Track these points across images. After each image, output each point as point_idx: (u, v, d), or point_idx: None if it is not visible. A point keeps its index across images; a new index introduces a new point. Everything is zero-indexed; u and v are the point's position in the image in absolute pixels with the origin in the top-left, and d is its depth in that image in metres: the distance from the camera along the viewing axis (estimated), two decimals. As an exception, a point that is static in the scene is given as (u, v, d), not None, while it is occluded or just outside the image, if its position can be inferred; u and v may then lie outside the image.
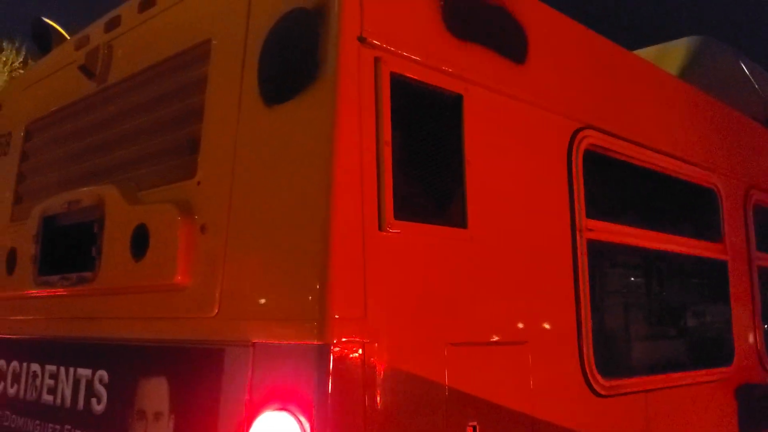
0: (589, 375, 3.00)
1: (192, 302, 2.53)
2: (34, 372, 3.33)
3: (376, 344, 2.19)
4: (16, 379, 3.45)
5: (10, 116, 4.20)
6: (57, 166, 3.62)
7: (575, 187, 3.11)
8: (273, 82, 2.44)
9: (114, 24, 3.40)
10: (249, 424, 2.19)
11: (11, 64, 24.58)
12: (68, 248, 3.26)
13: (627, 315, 3.65)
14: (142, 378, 2.67)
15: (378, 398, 2.18)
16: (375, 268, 2.24)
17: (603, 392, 3.05)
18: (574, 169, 3.11)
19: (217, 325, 2.41)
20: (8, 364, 3.55)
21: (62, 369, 3.13)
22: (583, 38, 3.40)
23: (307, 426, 2.05)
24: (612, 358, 3.31)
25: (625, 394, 3.19)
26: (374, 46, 2.35)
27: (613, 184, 3.55)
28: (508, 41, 2.91)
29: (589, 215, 3.15)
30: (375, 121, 2.32)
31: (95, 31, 3.55)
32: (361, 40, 2.32)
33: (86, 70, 3.32)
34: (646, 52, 5.66)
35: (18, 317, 3.58)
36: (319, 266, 2.13)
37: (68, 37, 4.44)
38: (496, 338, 2.63)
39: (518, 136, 2.90)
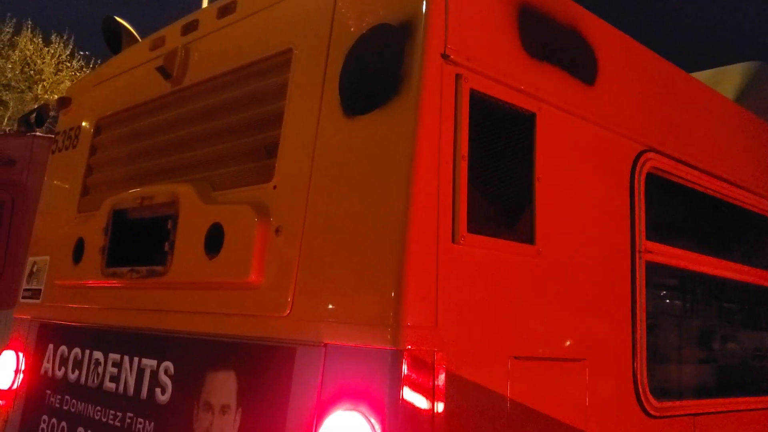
0: (641, 395, 3.03)
1: (264, 301, 2.62)
2: (97, 360, 3.45)
3: (445, 353, 2.26)
4: (78, 365, 3.58)
5: (79, 111, 4.35)
6: (127, 161, 3.75)
7: (636, 208, 3.15)
8: (355, 94, 2.52)
9: (191, 28, 3.52)
10: (319, 422, 2.27)
11: (59, 57, 25.09)
12: (138, 242, 3.38)
13: (680, 338, 3.68)
14: (209, 371, 2.76)
15: (445, 406, 2.24)
16: (446, 278, 2.31)
17: (654, 413, 3.09)
18: (636, 191, 3.16)
19: (288, 325, 2.50)
20: (70, 351, 3.67)
21: (126, 358, 3.24)
22: (648, 61, 3.45)
23: (378, 427, 2.12)
24: (664, 379, 3.34)
25: (675, 416, 3.22)
26: (456, 63, 2.43)
27: (672, 208, 3.58)
28: (580, 62, 2.97)
29: (648, 237, 3.20)
30: (453, 136, 2.39)
31: (172, 34, 3.67)
32: (445, 57, 2.40)
33: (164, 71, 3.44)
34: (700, 76, 5.67)
35: (82, 306, 3.70)
36: (395, 274, 2.20)
37: (138, 37, 4.59)
38: (556, 353, 2.69)
39: (585, 156, 2.96)
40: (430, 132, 2.32)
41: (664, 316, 3.53)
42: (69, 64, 25.14)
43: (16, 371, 4.15)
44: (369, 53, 2.51)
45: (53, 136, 4.57)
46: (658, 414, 3.10)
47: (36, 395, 3.88)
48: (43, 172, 6.86)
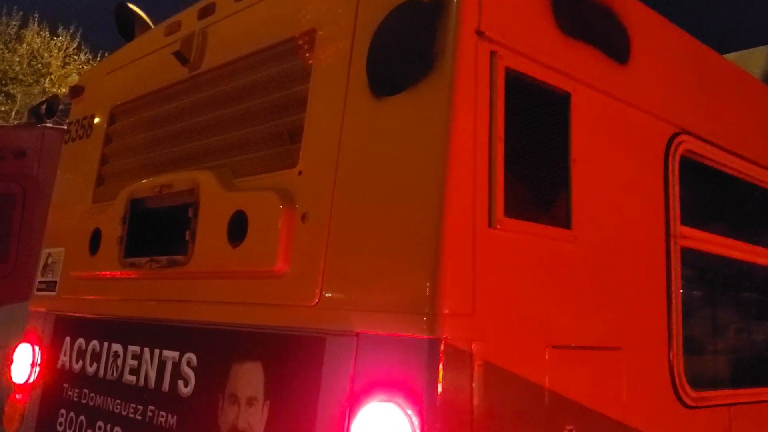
0: (678, 385, 2.94)
1: (291, 290, 2.54)
2: (116, 352, 3.37)
3: (483, 342, 2.17)
4: (96, 358, 3.50)
5: (93, 100, 4.26)
6: (143, 149, 3.66)
7: (671, 192, 3.05)
8: (384, 74, 2.42)
9: (208, 11, 3.42)
10: (352, 414, 2.18)
11: (66, 50, 25.02)
12: (157, 231, 3.30)
13: (715, 326, 3.58)
14: (234, 362, 2.68)
15: (483, 397, 2.15)
16: (483, 264, 2.21)
17: (690, 403, 2.99)
18: (670, 175, 3.06)
19: (317, 314, 2.41)
20: (87, 344, 3.60)
21: (146, 350, 3.16)
22: (680, 41, 3.34)
23: (415, 419, 2.03)
24: (699, 368, 3.24)
25: (711, 406, 3.12)
26: (491, 40, 2.33)
27: (705, 193, 3.47)
28: (613, 41, 2.87)
29: (682, 223, 3.09)
30: (489, 116, 2.29)
31: (187, 18, 3.58)
32: (479, 33, 2.30)
33: (181, 56, 3.34)
34: (727, 58, 5.53)
35: (100, 297, 3.63)
36: (431, 260, 2.11)
37: (151, 24, 4.49)
38: (593, 342, 2.60)
39: (619, 138, 2.86)
40: (466, 112, 2.23)
41: (699, 304, 3.42)
42: (76, 57, 25.08)
43: (33, 365, 4.08)
44: (398, 31, 2.42)
45: (66, 125, 4.48)
46: (694, 404, 3.01)
47: (53, 389, 3.81)
48: (54, 164, 6.77)
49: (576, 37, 2.68)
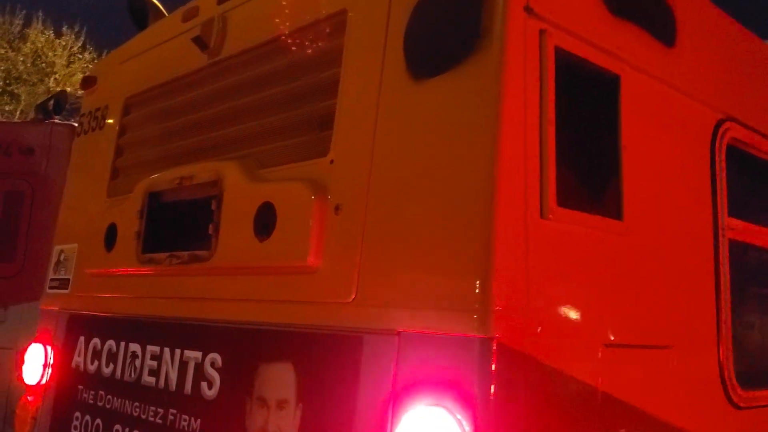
0: (728, 385, 2.78)
1: (324, 286, 2.39)
2: (133, 352, 3.23)
3: (536, 341, 2.02)
4: (112, 358, 3.36)
5: (106, 90, 4.12)
6: (161, 140, 3.52)
7: (718, 182, 2.89)
8: (424, 55, 2.27)
9: None
10: (396, 418, 2.03)
11: (70, 49, 24.88)
12: (177, 225, 3.15)
13: (764, 322, 3.42)
14: (263, 363, 2.53)
15: (537, 398, 2.00)
16: (535, 258, 2.06)
17: (741, 404, 2.84)
18: (717, 163, 2.90)
19: (354, 311, 2.26)
20: (103, 344, 3.45)
21: (166, 350, 3.02)
22: (725, 25, 3.18)
23: (466, 423, 1.88)
24: (749, 367, 3.08)
25: (762, 406, 2.97)
26: (540, 18, 2.18)
27: (751, 183, 3.32)
28: (660, 23, 2.71)
29: (729, 214, 2.94)
30: (539, 98, 2.14)
31: (206, 3, 3.43)
32: (528, 10, 2.14)
33: (200, 42, 3.19)
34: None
35: (116, 295, 3.48)
36: (482, 254, 1.95)
37: (165, 12, 4.35)
38: (644, 340, 2.44)
39: (666, 124, 2.70)
40: (515, 93, 2.07)
41: (747, 299, 3.26)
42: (81, 56, 24.91)
43: (45, 365, 3.94)
44: (439, 9, 2.26)
45: (78, 117, 4.33)
46: (744, 404, 2.85)
47: (67, 390, 3.67)
48: (63, 161, 6.65)
49: (624, 17, 2.52)
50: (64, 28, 24.80)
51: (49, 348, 3.94)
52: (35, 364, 3.97)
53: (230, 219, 2.78)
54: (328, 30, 2.67)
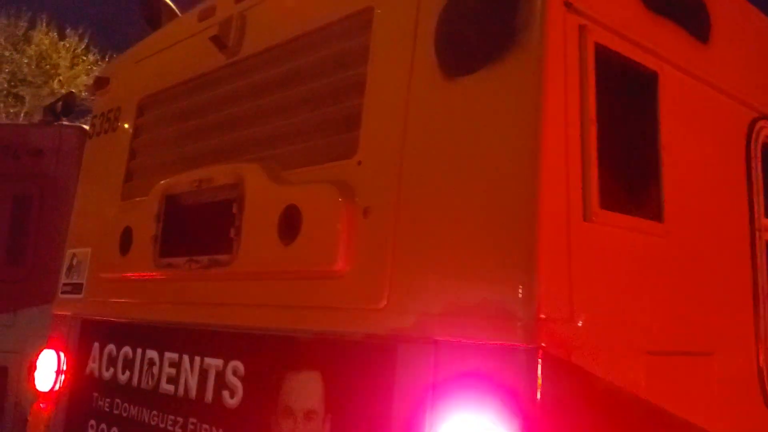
0: (767, 389, 2.69)
1: (353, 291, 2.30)
2: (151, 359, 3.15)
3: (582, 350, 1.93)
4: (128, 366, 3.28)
5: (118, 91, 4.04)
6: (177, 142, 3.44)
7: (754, 182, 2.80)
8: (457, 52, 2.18)
9: None
10: (434, 430, 1.94)
11: (74, 51, 24.83)
12: (195, 229, 3.07)
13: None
14: (289, 371, 2.44)
15: (583, 409, 1.92)
16: (578, 262, 1.97)
17: (779, 410, 2.74)
18: (752, 162, 2.81)
19: (386, 318, 2.17)
20: (119, 350, 3.37)
21: (185, 357, 2.93)
22: (757, 21, 3.09)
23: (511, 438, 1.80)
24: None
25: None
26: (579, 13, 2.09)
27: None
28: (695, 19, 2.63)
29: (766, 215, 2.85)
30: (579, 96, 2.06)
31: (223, 2, 3.34)
32: (567, 5, 2.06)
33: (218, 41, 3.11)
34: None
35: (132, 300, 3.40)
36: (525, 259, 1.87)
37: (178, 12, 4.27)
38: (687, 347, 2.35)
39: (702, 122, 2.62)
40: (556, 91, 1.99)
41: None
42: (85, 58, 24.84)
43: (58, 372, 3.86)
44: (474, 6, 2.17)
45: (90, 119, 4.25)
46: (782, 411, 2.76)
47: (81, 398, 3.59)
48: (73, 163, 6.59)
49: (660, 13, 2.44)
50: (68, 30, 24.78)
51: (62, 354, 3.86)
52: (48, 370, 3.90)
53: (252, 222, 2.69)
54: (353, 28, 2.59)
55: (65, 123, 6.88)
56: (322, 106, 2.66)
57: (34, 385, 3.97)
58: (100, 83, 4.17)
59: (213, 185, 2.93)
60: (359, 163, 2.40)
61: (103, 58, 25.28)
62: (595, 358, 1.97)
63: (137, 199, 3.51)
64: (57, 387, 3.83)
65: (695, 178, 2.50)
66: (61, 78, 24.26)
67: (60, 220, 6.52)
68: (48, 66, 24.30)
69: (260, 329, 2.61)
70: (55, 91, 24.25)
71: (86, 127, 6.81)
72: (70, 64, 24.62)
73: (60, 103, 7.11)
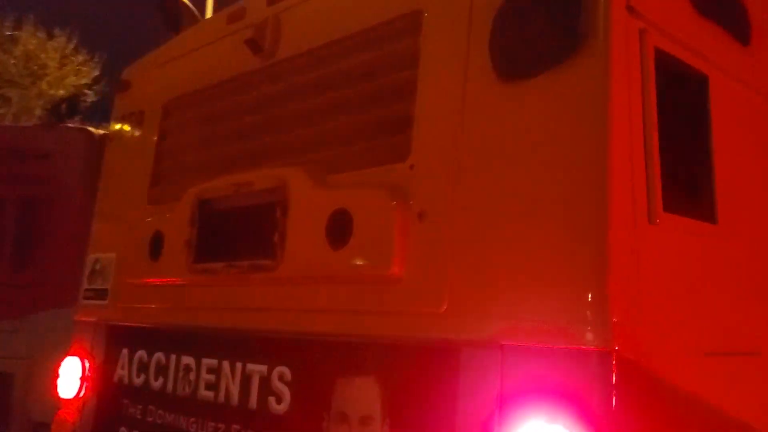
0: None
1: (409, 295, 2.30)
2: (187, 365, 3.12)
3: (651, 353, 1.94)
4: (162, 372, 3.25)
5: (142, 94, 4.01)
6: (207, 146, 3.42)
7: None
8: (515, 56, 2.18)
9: None
10: None
11: (63, 51, 24.58)
12: (233, 234, 3.06)
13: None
14: (342, 376, 2.44)
15: (653, 411, 1.93)
16: (645, 265, 1.98)
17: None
18: None
19: (447, 323, 2.17)
20: (150, 356, 3.34)
21: (225, 363, 2.91)
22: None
23: (586, 442, 1.80)
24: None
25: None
26: (640, 17, 2.10)
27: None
28: (738, 22, 2.65)
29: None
30: (641, 101, 2.07)
31: (254, 5, 3.33)
32: (629, 9, 2.07)
33: (254, 44, 3.09)
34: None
35: (164, 306, 3.37)
36: (597, 262, 1.88)
37: (199, 15, 4.25)
38: (739, 348, 2.37)
39: (747, 124, 2.64)
40: (621, 94, 2.00)
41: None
42: (74, 58, 24.60)
43: (82, 379, 3.82)
44: (532, 9, 2.18)
45: (111, 122, 4.22)
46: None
47: (110, 405, 3.56)
48: (78, 166, 6.53)
49: (707, 16, 2.45)
50: (56, 30, 24.53)
51: (86, 361, 3.83)
52: (71, 377, 3.86)
53: (298, 227, 2.68)
54: (400, 31, 2.58)
55: (71, 125, 6.82)
56: (367, 109, 2.65)
57: (57, 393, 3.94)
58: (122, 86, 4.14)
59: (252, 189, 2.91)
60: (411, 166, 2.40)
61: (92, 58, 25.16)
62: (660, 359, 1.98)
63: (166, 203, 3.48)
64: (81, 394, 3.79)
65: (743, 179, 2.52)
66: (49, 79, 24.01)
67: (66, 223, 6.47)
68: (36, 66, 24.05)
69: (309, 334, 2.59)
70: (44, 91, 24.00)
71: (92, 129, 6.80)
72: (59, 64, 24.38)
73: (65, 104, 7.05)
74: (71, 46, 24.77)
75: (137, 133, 3.91)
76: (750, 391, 2.42)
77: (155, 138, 3.74)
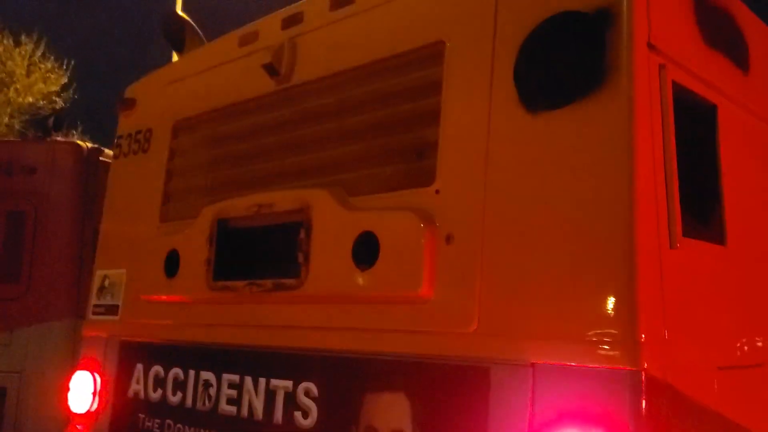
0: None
1: (439, 315, 2.41)
2: (206, 381, 3.20)
3: (674, 369, 2.07)
4: (180, 387, 3.31)
5: (148, 112, 4.06)
6: (222, 166, 3.49)
7: None
8: (541, 88, 2.31)
9: (295, 21, 3.27)
10: None
11: (30, 58, 24.24)
12: (252, 252, 3.14)
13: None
14: (370, 393, 2.54)
15: (680, 427, 2.06)
16: (668, 287, 2.12)
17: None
18: None
19: (477, 342, 2.28)
20: (167, 372, 3.41)
21: (248, 379, 3.00)
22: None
23: (619, 456, 1.93)
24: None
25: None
26: (660, 53, 2.24)
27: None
28: (739, 51, 2.81)
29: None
30: (662, 132, 2.21)
31: (267, 28, 3.42)
32: (650, 46, 2.21)
33: (271, 68, 3.18)
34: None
35: (182, 322, 3.43)
36: (626, 284, 2.01)
37: (201, 34, 4.31)
38: (748, 361, 2.52)
39: (749, 148, 2.80)
40: (644, 126, 2.13)
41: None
42: (41, 66, 24.26)
43: (93, 393, 3.87)
44: (556, 44, 2.30)
45: (116, 139, 4.26)
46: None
47: (125, 418, 3.61)
48: (67, 180, 6.55)
49: (715, 48, 2.61)
50: (23, 37, 24.15)
51: (97, 376, 3.87)
52: (83, 392, 3.90)
53: (323, 247, 2.77)
54: (423, 59, 2.69)
55: (59, 139, 6.81)
56: (389, 133, 2.76)
57: (68, 407, 3.98)
58: (126, 104, 4.19)
59: (274, 210, 3.00)
60: (437, 191, 2.51)
61: (60, 65, 24.84)
62: (683, 376, 2.12)
63: (180, 221, 3.55)
64: (93, 408, 3.84)
65: (748, 202, 2.68)
66: (17, 86, 23.65)
67: (56, 237, 6.48)
68: (3, 74, 23.67)
69: (337, 351, 2.69)
70: (12, 99, 23.65)
71: (81, 143, 6.81)
72: (27, 71, 24.02)
73: (51, 118, 7.03)
74: (39, 52, 24.42)
75: (145, 151, 3.97)
76: (758, 401, 2.57)
77: (165, 156, 3.80)
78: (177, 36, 4.27)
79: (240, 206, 3.17)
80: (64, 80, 24.98)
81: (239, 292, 3.08)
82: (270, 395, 2.89)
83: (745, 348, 2.52)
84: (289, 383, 2.82)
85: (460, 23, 2.59)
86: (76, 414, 3.91)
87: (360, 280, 2.61)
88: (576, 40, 2.25)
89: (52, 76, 24.87)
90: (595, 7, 2.23)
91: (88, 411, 3.84)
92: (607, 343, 2.00)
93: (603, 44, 2.18)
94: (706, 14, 2.57)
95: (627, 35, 2.16)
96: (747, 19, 2.92)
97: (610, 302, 2.02)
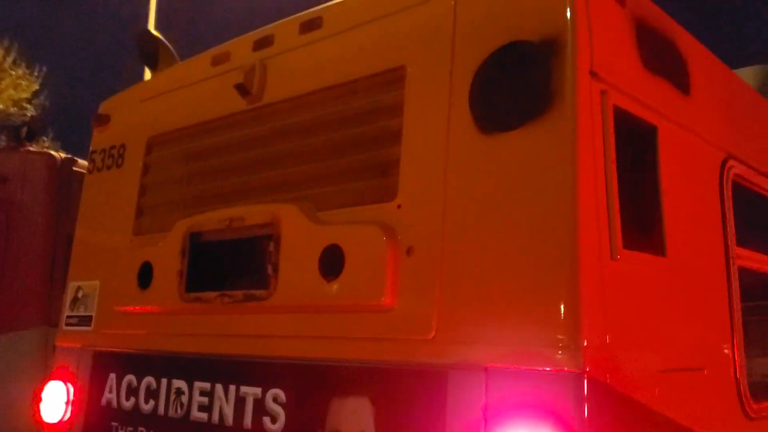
0: (743, 399, 3.09)
1: (400, 323, 2.56)
2: (178, 389, 3.31)
3: (614, 372, 2.25)
4: (152, 395, 3.42)
5: (122, 128, 4.17)
6: (194, 181, 3.62)
7: (726, 215, 3.21)
8: (492, 112, 2.49)
9: (266, 43, 3.42)
10: None
11: (0, 65, 24.02)
12: (223, 265, 3.27)
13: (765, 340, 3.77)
14: (336, 398, 2.68)
15: (620, 427, 2.23)
16: (608, 295, 2.30)
17: (753, 415, 3.15)
18: (725, 198, 3.22)
19: (435, 348, 2.45)
20: (140, 380, 3.51)
21: (218, 386, 3.12)
22: (721, 72, 3.52)
23: (564, 455, 2.10)
24: (758, 381, 3.41)
25: (769, 417, 3.29)
26: (601, 80, 2.43)
27: (748, 214, 3.65)
28: (680, 74, 3.01)
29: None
30: (603, 152, 2.39)
31: (239, 49, 3.56)
32: (592, 74, 2.39)
33: (242, 89, 3.32)
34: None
35: (154, 333, 3.55)
36: (571, 293, 2.18)
37: (174, 52, 4.43)
38: (686, 364, 2.71)
39: (687, 164, 3.00)
40: (587, 146, 2.32)
41: (752, 319, 3.60)
42: (12, 72, 24.04)
43: (66, 403, 3.96)
44: (506, 70, 2.48)
45: (90, 154, 4.36)
46: (756, 416, 3.16)
47: (98, 427, 3.70)
48: (39, 190, 6.61)
49: (655, 72, 2.81)
50: (-8, 45, 23.93)
51: (69, 385, 3.96)
52: (55, 401, 3.99)
53: (291, 259, 2.92)
54: (385, 83, 2.86)
55: (31, 149, 6.87)
56: (355, 152, 2.92)
57: (40, 417, 4.06)
58: (100, 120, 4.29)
59: (245, 223, 3.14)
60: (399, 206, 2.67)
61: (31, 72, 24.66)
62: (623, 378, 2.30)
63: (152, 234, 3.67)
64: (66, 418, 3.93)
65: (685, 216, 2.88)
66: (-12, 94, 23.45)
67: (25, 247, 6.54)
68: (-27, 82, 23.46)
69: (303, 359, 2.83)
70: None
71: (54, 153, 6.88)
72: (-3, 79, 23.83)
73: (24, 128, 7.08)
74: (10, 59, 24.22)
75: (119, 166, 4.08)
76: (698, 402, 2.77)
77: (139, 171, 3.92)
78: (151, 54, 4.40)
79: (212, 220, 3.30)
80: (36, 87, 24.83)
81: (211, 303, 3.21)
82: (240, 402, 3.02)
83: (686, 352, 2.72)
84: (258, 390, 2.96)
85: (421, 50, 2.77)
86: (48, 424, 3.99)
87: (326, 291, 2.76)
88: (524, 68, 2.43)
89: (23, 82, 24.69)
90: (542, 38, 2.41)
91: (61, 420, 3.92)
92: (552, 348, 2.17)
93: (549, 72, 2.36)
94: (647, 42, 2.77)
95: (571, 64, 2.34)
96: (688, 44, 3.13)
97: (556, 310, 2.19)
